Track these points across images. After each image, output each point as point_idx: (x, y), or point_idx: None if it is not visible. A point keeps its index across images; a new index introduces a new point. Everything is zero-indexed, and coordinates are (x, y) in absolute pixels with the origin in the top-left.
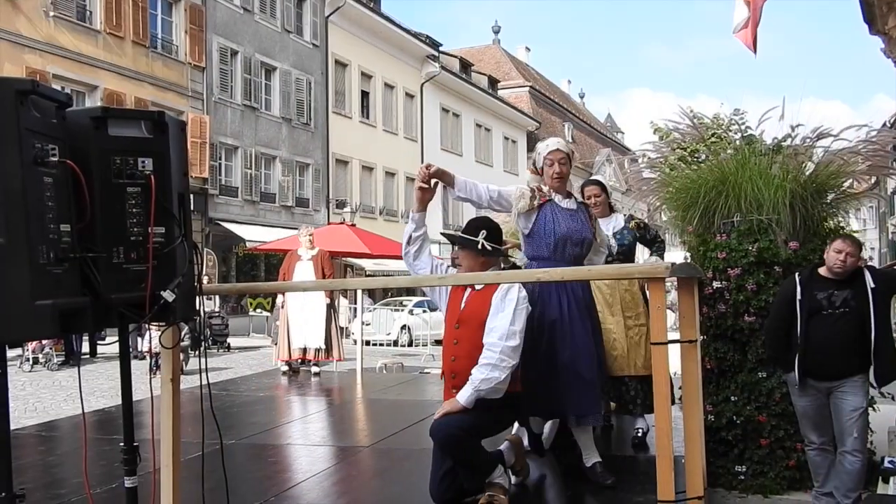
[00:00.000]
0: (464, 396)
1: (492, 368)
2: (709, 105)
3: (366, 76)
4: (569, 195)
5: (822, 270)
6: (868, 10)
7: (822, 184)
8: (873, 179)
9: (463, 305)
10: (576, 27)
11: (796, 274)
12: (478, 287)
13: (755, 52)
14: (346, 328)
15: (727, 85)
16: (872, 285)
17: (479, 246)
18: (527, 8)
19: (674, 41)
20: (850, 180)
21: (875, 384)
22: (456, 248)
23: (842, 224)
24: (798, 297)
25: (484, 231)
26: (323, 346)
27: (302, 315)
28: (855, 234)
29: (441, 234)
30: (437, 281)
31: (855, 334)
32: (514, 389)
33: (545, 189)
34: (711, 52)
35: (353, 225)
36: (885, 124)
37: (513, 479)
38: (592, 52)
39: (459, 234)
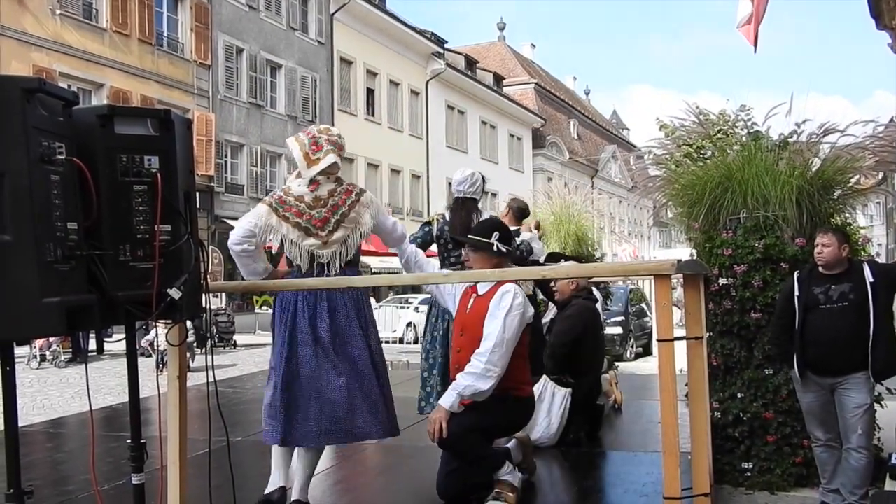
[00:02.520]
0: (447, 401)
1: (476, 378)
2: (710, 101)
3: (371, 73)
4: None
5: (819, 267)
6: (876, 5)
7: (829, 180)
8: (880, 175)
9: (468, 311)
10: (579, 24)
11: (796, 272)
12: (481, 292)
13: (755, 47)
14: None
15: (729, 81)
16: (871, 279)
17: (495, 248)
18: (532, 5)
19: (673, 37)
20: (857, 176)
21: (872, 379)
22: (466, 250)
23: (849, 220)
24: (796, 293)
25: (497, 233)
26: None
27: None
28: (861, 230)
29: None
30: (442, 278)
31: (855, 328)
32: (525, 393)
33: None
34: (712, 48)
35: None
36: (892, 119)
37: (520, 476)
38: (594, 50)
39: (474, 237)
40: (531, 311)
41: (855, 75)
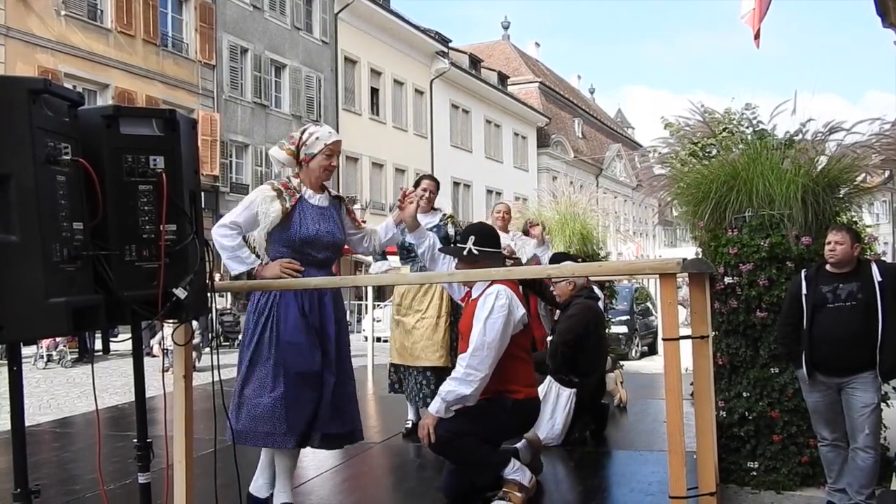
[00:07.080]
0: (433, 407)
1: (458, 383)
2: (705, 102)
3: (375, 73)
4: (322, 189)
5: (828, 265)
6: (882, 2)
7: (835, 178)
8: (886, 173)
9: (465, 315)
10: (583, 24)
11: (803, 270)
12: (474, 295)
13: (758, 44)
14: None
15: (724, 81)
16: (879, 279)
17: (466, 252)
18: (536, 3)
19: (669, 39)
20: (863, 174)
21: (880, 379)
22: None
23: (854, 219)
24: (803, 291)
25: (473, 237)
26: None
27: None
28: (867, 229)
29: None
30: (447, 277)
31: (862, 327)
32: (524, 395)
33: (294, 183)
34: (706, 50)
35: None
36: None
37: (530, 475)
38: (594, 50)
39: (452, 245)
40: (521, 311)
41: (849, 74)
